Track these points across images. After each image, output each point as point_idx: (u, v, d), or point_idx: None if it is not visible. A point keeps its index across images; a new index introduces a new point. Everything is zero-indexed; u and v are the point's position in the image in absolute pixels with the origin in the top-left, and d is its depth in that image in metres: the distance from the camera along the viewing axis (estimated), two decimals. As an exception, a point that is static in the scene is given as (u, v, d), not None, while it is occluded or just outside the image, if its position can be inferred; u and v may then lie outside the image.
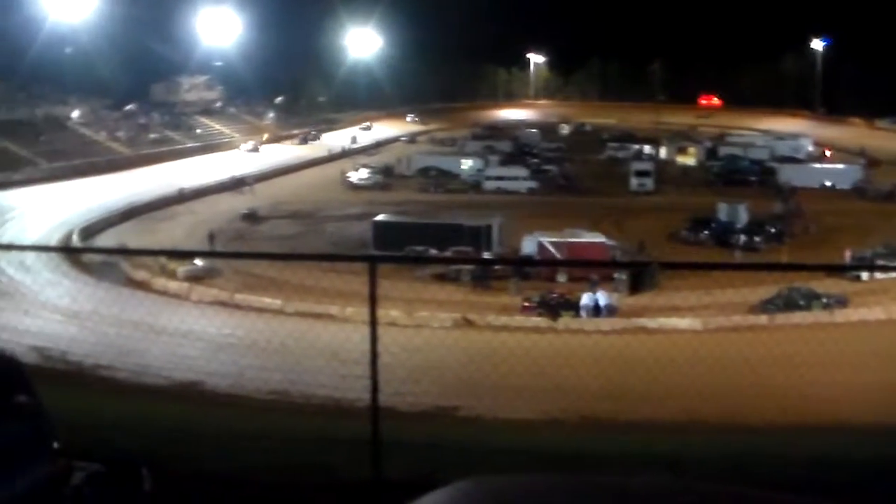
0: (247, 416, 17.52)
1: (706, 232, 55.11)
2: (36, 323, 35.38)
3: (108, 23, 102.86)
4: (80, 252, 47.63)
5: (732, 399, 22.19)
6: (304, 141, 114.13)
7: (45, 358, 29.12)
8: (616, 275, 39.76)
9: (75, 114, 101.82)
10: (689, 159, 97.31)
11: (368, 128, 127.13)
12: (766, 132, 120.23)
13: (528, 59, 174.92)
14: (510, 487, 2.80)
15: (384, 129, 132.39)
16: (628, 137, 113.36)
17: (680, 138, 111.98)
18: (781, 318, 36.90)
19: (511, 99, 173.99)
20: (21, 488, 3.87)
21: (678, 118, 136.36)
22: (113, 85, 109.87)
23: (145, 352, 29.36)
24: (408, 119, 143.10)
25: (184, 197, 72.86)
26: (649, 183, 78.47)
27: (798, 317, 37.26)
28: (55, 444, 4.21)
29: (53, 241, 54.55)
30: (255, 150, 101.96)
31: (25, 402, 4.11)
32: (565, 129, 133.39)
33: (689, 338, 32.02)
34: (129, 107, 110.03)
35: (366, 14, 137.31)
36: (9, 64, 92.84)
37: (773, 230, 54.60)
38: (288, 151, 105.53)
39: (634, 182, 78.70)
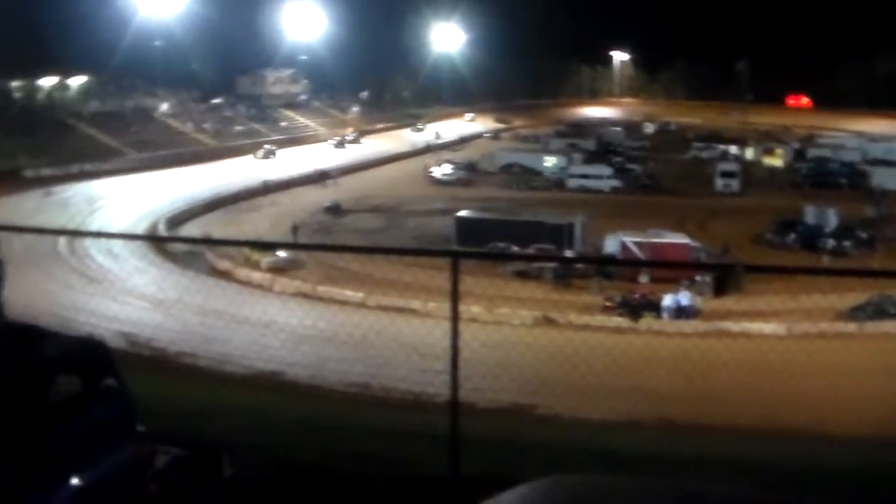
0: (327, 408, 17.66)
1: (793, 235, 53.89)
2: (123, 309, 36.21)
3: (195, 17, 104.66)
4: (165, 241, 48.52)
5: (817, 407, 21.73)
6: (342, 144, 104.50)
7: (130, 343, 29.75)
8: (698, 277, 39.33)
9: (163, 106, 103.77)
10: (776, 161, 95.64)
11: (421, 129, 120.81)
12: (859, 134, 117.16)
13: (613, 56, 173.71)
14: (587, 487, 2.78)
15: (459, 125, 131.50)
16: (714, 137, 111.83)
17: (767, 139, 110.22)
18: (871, 327, 35.89)
19: (595, 97, 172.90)
20: (108, 468, 3.95)
21: (766, 118, 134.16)
22: (200, 78, 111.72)
23: (227, 341, 29.75)
24: (466, 118, 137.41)
25: (268, 189, 73.76)
26: (735, 184, 77.36)
27: (889, 325, 36.14)
28: (140, 428, 4.29)
29: (140, 229, 55.58)
30: (271, 154, 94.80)
31: (113, 386, 4.19)
32: (650, 128, 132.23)
33: (773, 343, 31.45)
34: (215, 100, 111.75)
35: (450, 9, 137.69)
36: (100, 57, 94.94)
37: (863, 235, 53.22)
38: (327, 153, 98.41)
39: (719, 183, 77.67)
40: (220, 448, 5.46)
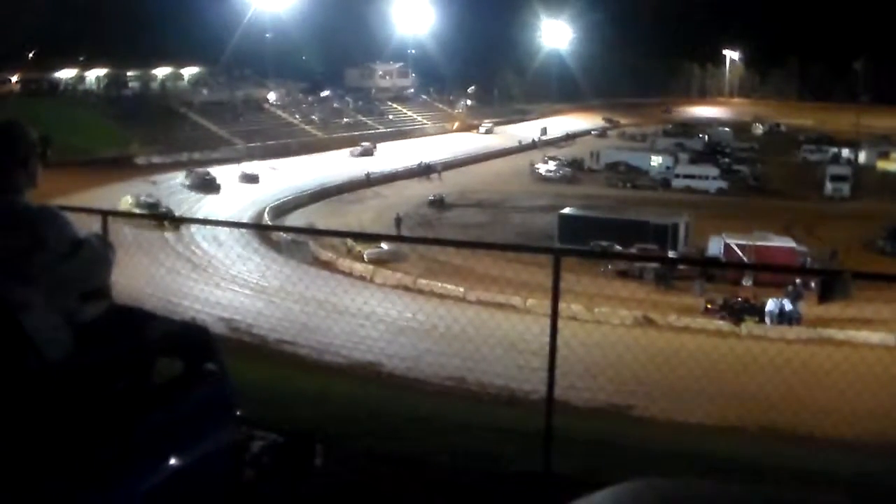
0: (422, 400, 17.74)
1: (906, 243, 52.43)
2: (226, 296, 36.93)
3: (306, 10, 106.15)
4: (269, 230, 49.29)
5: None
6: (367, 153, 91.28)
7: (231, 329, 30.32)
8: (798, 280, 38.41)
9: (272, 97, 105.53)
10: (891, 165, 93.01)
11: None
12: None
13: (724, 55, 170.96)
14: (680, 491, 2.75)
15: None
16: (825, 140, 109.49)
17: (883, 142, 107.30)
18: None
19: (704, 96, 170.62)
20: (206, 450, 4.05)
21: (883, 121, 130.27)
22: (309, 70, 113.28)
23: (327, 330, 30.07)
24: (481, 130, 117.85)
25: (372, 181, 74.47)
26: (845, 188, 75.66)
27: None
28: (238, 412, 4.38)
29: (245, 218, 56.62)
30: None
31: (213, 371, 4.29)
32: (759, 129, 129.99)
33: (880, 353, 30.48)
34: (324, 92, 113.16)
35: (559, 5, 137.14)
36: (213, 49, 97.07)
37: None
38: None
39: (830, 187, 76.03)
40: (315, 436, 5.53)
